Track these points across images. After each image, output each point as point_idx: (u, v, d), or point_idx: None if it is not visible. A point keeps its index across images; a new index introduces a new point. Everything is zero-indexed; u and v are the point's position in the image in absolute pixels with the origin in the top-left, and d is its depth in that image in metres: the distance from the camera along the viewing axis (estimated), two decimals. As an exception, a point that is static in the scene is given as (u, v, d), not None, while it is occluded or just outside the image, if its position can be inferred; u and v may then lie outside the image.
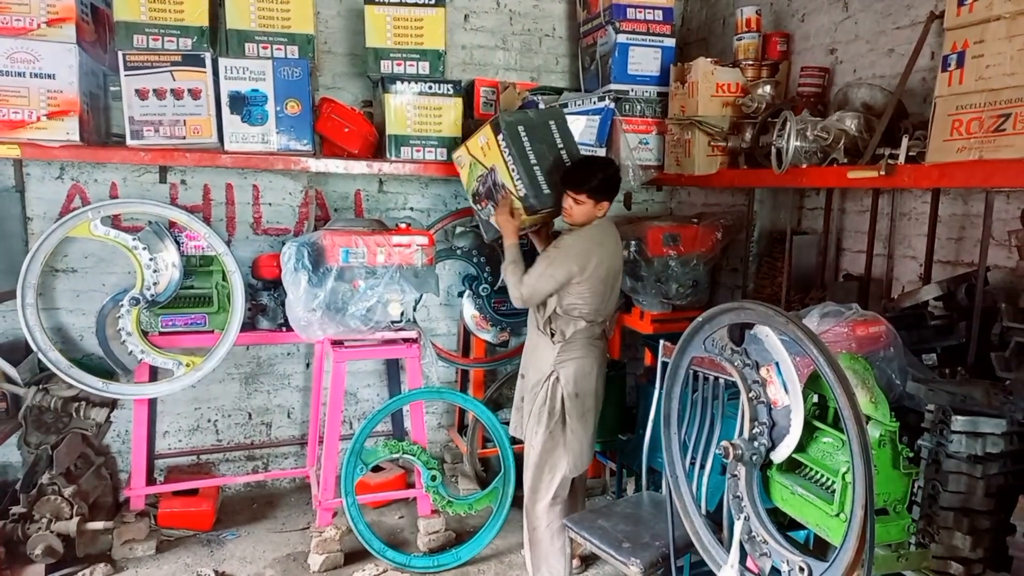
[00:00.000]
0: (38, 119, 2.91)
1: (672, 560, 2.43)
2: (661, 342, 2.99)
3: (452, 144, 3.62)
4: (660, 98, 4.05)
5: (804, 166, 3.01)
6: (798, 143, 3.01)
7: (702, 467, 2.51)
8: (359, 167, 3.55)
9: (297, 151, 3.34)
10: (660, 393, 2.85)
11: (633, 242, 3.86)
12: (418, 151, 3.58)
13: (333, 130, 3.46)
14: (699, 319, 2.24)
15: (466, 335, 4.18)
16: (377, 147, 3.70)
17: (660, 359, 2.99)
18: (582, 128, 3.79)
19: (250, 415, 4.04)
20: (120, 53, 3.02)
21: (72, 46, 2.92)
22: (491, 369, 4.17)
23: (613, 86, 3.96)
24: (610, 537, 2.58)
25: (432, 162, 3.62)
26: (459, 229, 4.03)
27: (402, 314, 3.37)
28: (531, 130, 3.08)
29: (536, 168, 3.05)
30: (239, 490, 4.01)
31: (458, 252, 3.96)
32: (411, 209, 4.19)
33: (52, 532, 3.07)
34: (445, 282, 4.20)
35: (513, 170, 3.03)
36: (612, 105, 3.85)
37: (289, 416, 4.12)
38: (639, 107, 4.03)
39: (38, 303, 3.22)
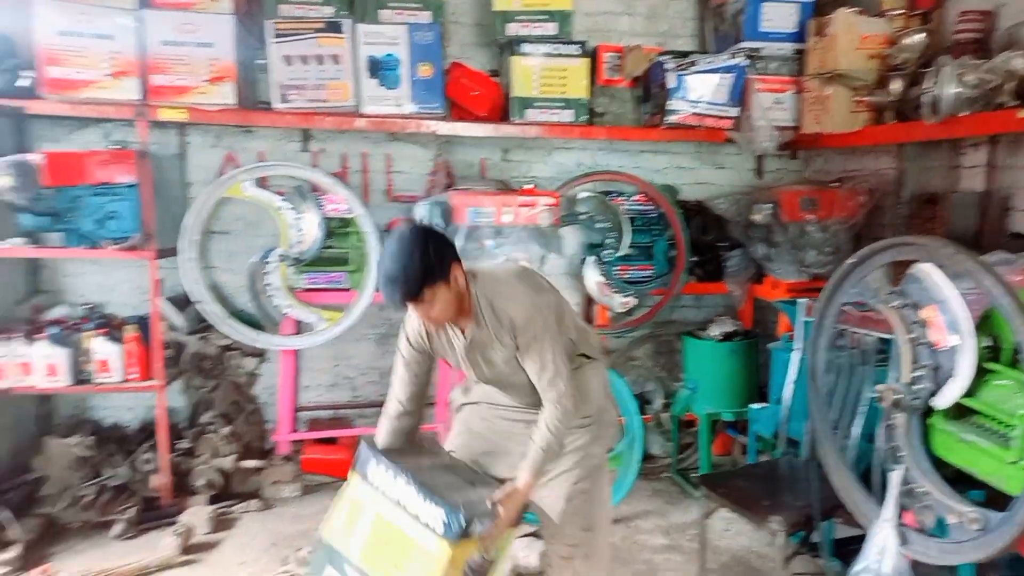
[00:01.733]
0: (200, 84, 3.17)
1: (817, 519, 2.31)
2: (803, 300, 2.86)
3: (578, 106, 3.61)
4: (797, 55, 3.86)
5: (963, 114, 2.77)
6: (957, 89, 2.78)
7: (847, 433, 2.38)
8: (486, 130, 3.62)
9: (428, 114, 3.44)
10: (803, 351, 2.74)
11: (767, 206, 3.71)
12: (543, 113, 3.60)
13: (462, 93, 3.55)
14: (850, 260, 2.13)
15: (589, 303, 4.16)
16: (503, 112, 3.75)
17: (802, 319, 2.86)
18: (714, 86, 3.68)
19: (382, 374, 4.21)
20: (271, 22, 3.24)
21: (229, 16, 3.17)
22: (616, 336, 4.15)
23: (745, 44, 3.81)
24: (748, 496, 2.49)
25: (557, 124, 3.63)
26: (581, 195, 4.01)
27: (529, 273, 3.41)
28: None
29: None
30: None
31: (580, 217, 3.94)
32: (534, 177, 4.22)
33: (212, 467, 3.36)
34: (568, 248, 4.19)
35: None
36: (745, 62, 3.71)
37: (417, 377, 4.26)
38: (773, 65, 3.86)
39: (198, 260, 3.52)
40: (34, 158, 3.17)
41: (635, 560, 3.01)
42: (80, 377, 3.28)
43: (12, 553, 2.87)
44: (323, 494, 3.57)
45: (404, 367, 2.10)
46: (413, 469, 1.82)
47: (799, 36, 3.80)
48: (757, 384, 3.60)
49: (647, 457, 4.04)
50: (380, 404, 4.07)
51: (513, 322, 1.92)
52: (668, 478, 3.82)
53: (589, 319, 4.15)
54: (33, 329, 3.26)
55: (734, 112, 3.75)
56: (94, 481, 3.30)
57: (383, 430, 2.13)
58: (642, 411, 3.89)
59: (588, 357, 2.16)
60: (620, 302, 3.91)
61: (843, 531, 2.70)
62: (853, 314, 2.42)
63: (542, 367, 1.95)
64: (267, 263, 3.58)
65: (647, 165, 4.32)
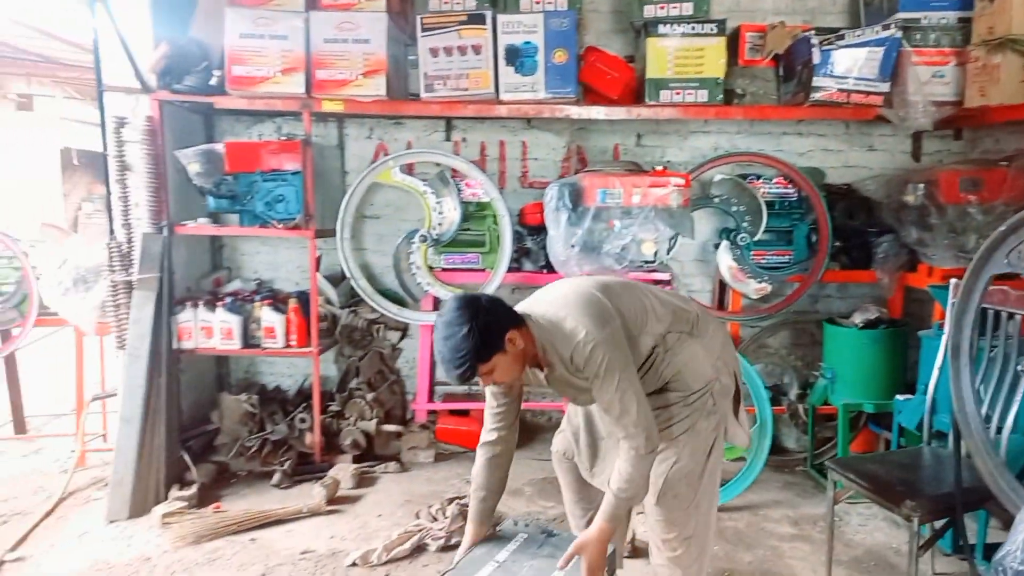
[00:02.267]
0: (356, 78, 3.48)
1: (959, 508, 2.14)
2: (955, 281, 2.65)
3: (713, 85, 3.56)
4: (960, 25, 3.56)
5: None
6: None
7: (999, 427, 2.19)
8: (619, 112, 3.65)
9: (562, 98, 3.55)
10: (949, 328, 2.54)
11: (921, 186, 3.45)
12: (677, 94, 3.58)
13: (596, 77, 3.61)
14: (1002, 228, 1.98)
15: (721, 288, 4.07)
16: (636, 96, 3.77)
17: (952, 301, 2.65)
18: (861, 61, 3.48)
19: (513, 354, 4.37)
20: (418, 17, 3.49)
21: (383, 15, 3.46)
22: (749, 324, 4.03)
23: (901, 15, 3.57)
24: (881, 481, 2.35)
25: (692, 104, 3.59)
26: (717, 177, 3.94)
27: (655, 254, 3.42)
28: None
29: None
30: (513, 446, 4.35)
31: (715, 200, 3.88)
32: (669, 162, 4.20)
33: (358, 429, 3.67)
34: (700, 236, 4.14)
35: None
36: (899, 34, 3.48)
37: (547, 359, 4.37)
38: (933, 36, 3.59)
39: (351, 241, 3.86)
40: (218, 147, 3.63)
41: (760, 545, 2.92)
42: (250, 342, 3.71)
43: (191, 491, 3.31)
44: (454, 461, 3.79)
45: (491, 396, 2.14)
46: None
47: (963, 2, 3.51)
48: (903, 376, 3.37)
49: (782, 450, 3.90)
50: (511, 382, 4.34)
51: (575, 363, 1.90)
52: (802, 472, 3.66)
53: (722, 305, 4.07)
54: (214, 299, 3.73)
55: (884, 87, 3.53)
56: (258, 435, 3.72)
57: (479, 461, 2.20)
58: (777, 403, 3.78)
59: (690, 333, 2.10)
60: (754, 288, 3.80)
61: (997, 536, 2.48)
62: (1010, 294, 2.23)
63: (608, 406, 1.92)
64: (411, 243, 3.85)
65: (790, 148, 4.16)
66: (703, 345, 2.11)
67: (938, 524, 2.29)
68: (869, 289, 3.97)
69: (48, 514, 3.22)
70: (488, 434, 2.19)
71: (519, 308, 2.00)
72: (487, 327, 1.83)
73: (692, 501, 2.06)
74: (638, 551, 2.74)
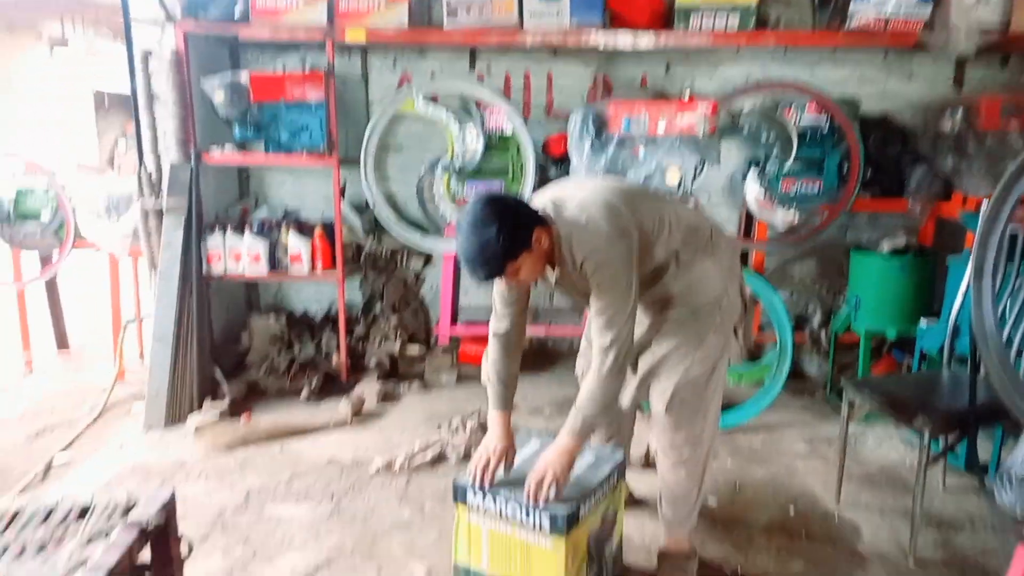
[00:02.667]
0: (378, 7, 3.46)
1: (972, 423, 2.15)
2: (984, 202, 2.60)
3: (745, 10, 3.45)
4: (1011, -58, 3.39)
5: None
6: None
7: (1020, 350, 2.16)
8: (646, 40, 3.56)
9: (587, 24, 3.48)
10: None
11: (959, 110, 3.35)
12: (707, 19, 3.48)
13: (623, 2, 3.53)
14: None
15: (747, 219, 4.03)
16: (665, 24, 3.67)
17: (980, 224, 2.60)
18: (900, -19, 3.34)
19: (535, 284, 4.40)
20: (440, -58, 3.44)
21: (407, -60, 3.41)
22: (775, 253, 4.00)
23: (945, -67, 3.41)
24: (895, 397, 2.36)
25: (720, 32, 3.49)
26: (747, 107, 3.86)
27: (680, 181, 3.39)
28: None
29: None
30: (524, 346, 4.42)
31: (743, 129, 3.80)
32: (698, 92, 4.11)
33: (382, 350, 3.77)
34: (728, 167, 4.07)
35: None
36: (942, -47, 3.33)
37: (570, 292, 4.39)
38: (980, -45, 3.41)
39: (375, 171, 3.89)
40: (243, 78, 3.66)
41: (773, 462, 2.97)
42: (277, 267, 3.80)
43: (223, 404, 3.45)
44: (475, 382, 3.85)
45: (497, 292, 2.15)
46: (506, 481, 1.95)
47: (1016, -82, 3.33)
48: (930, 304, 3.33)
49: (802, 377, 3.89)
50: (533, 311, 4.36)
51: (585, 269, 1.90)
52: (822, 398, 3.66)
53: (748, 234, 4.03)
54: (242, 225, 3.81)
55: (925, 13, 3.39)
56: (287, 353, 3.84)
57: (497, 352, 2.20)
58: (800, 331, 3.76)
59: (703, 249, 2.11)
60: (781, 218, 3.75)
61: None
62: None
63: (599, 312, 1.92)
64: (434, 173, 3.87)
65: (826, 76, 4.03)
66: (715, 261, 2.12)
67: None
68: (901, 219, 3.88)
69: (91, 424, 3.39)
70: (500, 322, 2.18)
71: (537, 203, 2.00)
72: (516, 226, 1.82)
73: (699, 408, 2.10)
74: (652, 463, 2.80)
